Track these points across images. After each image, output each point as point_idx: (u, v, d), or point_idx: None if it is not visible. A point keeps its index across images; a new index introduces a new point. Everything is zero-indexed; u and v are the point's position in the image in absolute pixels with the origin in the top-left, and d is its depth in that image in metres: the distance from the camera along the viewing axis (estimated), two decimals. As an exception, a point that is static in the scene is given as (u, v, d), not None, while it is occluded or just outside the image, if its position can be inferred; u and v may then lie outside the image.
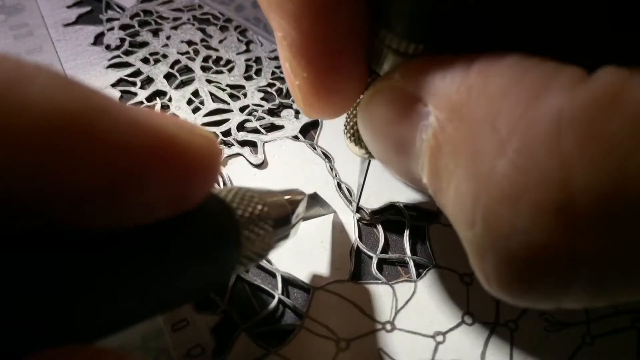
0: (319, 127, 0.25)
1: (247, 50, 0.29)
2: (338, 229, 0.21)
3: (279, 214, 0.16)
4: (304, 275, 0.19)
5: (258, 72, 0.28)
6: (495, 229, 0.11)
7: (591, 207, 0.10)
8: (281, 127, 0.25)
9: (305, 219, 0.19)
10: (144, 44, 0.28)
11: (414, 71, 0.14)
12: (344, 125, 0.19)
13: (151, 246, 0.11)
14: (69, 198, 0.09)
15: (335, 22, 0.14)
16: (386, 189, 0.23)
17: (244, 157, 0.23)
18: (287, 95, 0.26)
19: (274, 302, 0.18)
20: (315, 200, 0.21)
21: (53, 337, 0.09)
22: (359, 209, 0.22)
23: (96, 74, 0.26)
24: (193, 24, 0.30)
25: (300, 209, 0.17)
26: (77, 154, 0.09)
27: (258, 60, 0.28)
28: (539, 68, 0.12)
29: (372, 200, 0.22)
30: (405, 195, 0.22)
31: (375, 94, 0.15)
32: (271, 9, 0.14)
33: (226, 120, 0.25)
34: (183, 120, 0.12)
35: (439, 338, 0.18)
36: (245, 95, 0.26)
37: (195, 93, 0.26)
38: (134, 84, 0.26)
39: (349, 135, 0.18)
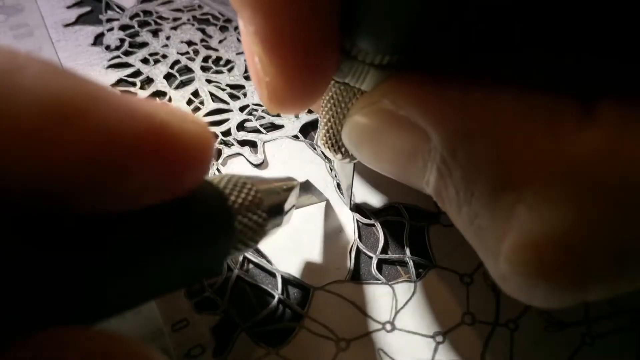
0: (319, 127, 0.25)
1: (247, 51, 0.29)
2: (337, 230, 0.21)
3: (272, 201, 0.16)
4: (304, 275, 0.19)
5: (258, 72, 0.27)
6: (517, 267, 0.12)
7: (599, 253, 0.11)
8: (281, 126, 0.25)
9: (298, 207, 0.19)
10: (144, 44, 0.28)
11: (406, 97, 0.14)
12: (319, 135, 0.19)
13: (145, 230, 0.11)
14: (61, 184, 0.09)
15: (311, 18, 0.14)
16: (386, 189, 0.23)
17: (244, 157, 0.23)
18: (326, 144, 0.26)
19: (274, 302, 0.18)
20: (307, 188, 0.21)
21: (45, 319, 0.10)
22: (357, 208, 0.22)
23: (96, 75, 0.26)
24: (193, 24, 0.30)
25: (293, 196, 0.18)
26: (69, 140, 0.09)
27: (258, 60, 0.28)
28: (542, 106, 0.12)
29: (372, 201, 0.22)
30: (405, 195, 0.22)
31: (365, 114, 0.15)
32: (244, 2, 0.14)
33: (226, 120, 0.25)
34: (175, 107, 0.12)
35: (439, 338, 0.18)
36: (245, 95, 0.26)
37: (195, 93, 0.26)
38: (133, 84, 0.26)
39: (328, 145, 0.19)
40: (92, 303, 0.11)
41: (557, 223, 0.12)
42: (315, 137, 0.25)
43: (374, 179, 0.23)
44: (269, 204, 0.16)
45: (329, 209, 0.22)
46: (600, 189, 0.11)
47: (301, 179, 0.23)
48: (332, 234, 0.21)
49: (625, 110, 0.11)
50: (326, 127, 0.18)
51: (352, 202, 0.22)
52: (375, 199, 0.22)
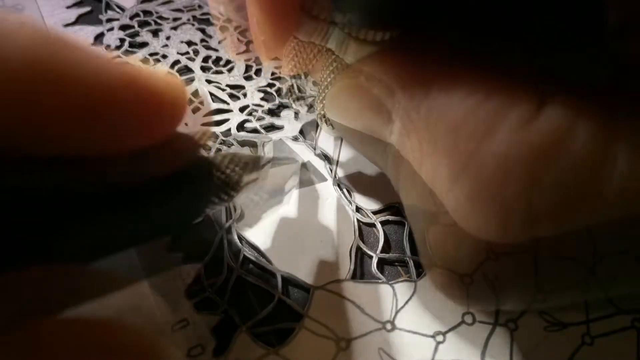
0: (319, 128, 0.25)
1: (247, 51, 0.29)
2: (337, 229, 0.21)
3: (249, 156, 0.17)
4: (304, 275, 0.19)
5: (258, 72, 0.28)
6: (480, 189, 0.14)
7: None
8: (281, 127, 0.25)
9: (273, 164, 0.20)
10: (144, 44, 0.28)
11: (379, 76, 0.16)
12: (317, 109, 0.20)
13: (123, 172, 0.12)
14: (48, 128, 0.10)
15: None
16: (386, 189, 0.23)
17: (244, 157, 0.23)
18: (287, 95, 0.26)
19: (274, 302, 0.18)
20: (281, 146, 0.22)
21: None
22: (357, 208, 0.22)
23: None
24: (193, 24, 0.30)
25: (268, 149, 0.19)
26: (50, 88, 0.10)
27: (257, 60, 0.28)
28: (492, 102, 0.13)
29: (372, 201, 0.22)
30: (405, 195, 0.22)
31: (343, 90, 0.18)
32: None
33: (226, 120, 0.25)
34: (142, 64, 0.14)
35: (439, 338, 0.18)
36: (245, 95, 0.26)
37: (195, 93, 0.26)
38: (133, 84, 0.26)
39: (322, 119, 0.20)
40: (68, 242, 0.11)
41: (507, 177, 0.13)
42: (315, 137, 0.25)
43: (374, 179, 0.23)
44: (245, 155, 0.17)
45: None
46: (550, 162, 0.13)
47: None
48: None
49: (571, 106, 0.13)
50: (321, 97, 0.20)
51: (336, 176, 0.23)
52: (375, 199, 0.22)
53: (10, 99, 0.10)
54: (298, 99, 0.21)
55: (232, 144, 0.24)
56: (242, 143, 0.24)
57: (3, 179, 0.10)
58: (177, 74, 0.27)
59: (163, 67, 0.27)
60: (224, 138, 0.24)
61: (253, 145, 0.24)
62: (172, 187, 0.13)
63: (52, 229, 0.10)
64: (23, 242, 0.10)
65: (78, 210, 0.11)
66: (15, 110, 0.10)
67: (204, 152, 0.16)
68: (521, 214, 0.13)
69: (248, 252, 0.20)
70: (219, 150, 0.23)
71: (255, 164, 0.17)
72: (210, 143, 0.16)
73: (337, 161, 0.23)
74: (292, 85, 0.21)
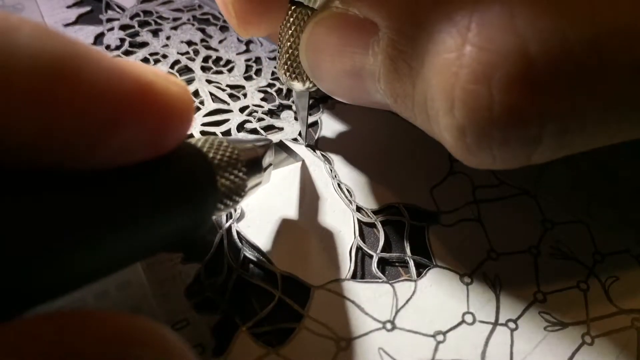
0: (319, 129, 0.25)
1: (247, 51, 0.29)
2: (336, 229, 0.21)
3: (250, 157, 0.17)
4: (304, 275, 0.19)
5: (258, 72, 0.28)
6: (475, 106, 0.13)
7: (547, 69, 0.12)
8: (281, 129, 0.25)
9: (275, 166, 0.20)
10: (144, 44, 0.28)
11: (359, 9, 0.15)
12: (279, 65, 0.20)
13: (131, 186, 0.12)
14: (53, 139, 0.10)
15: None
16: (386, 189, 0.23)
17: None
18: (287, 95, 0.26)
19: (274, 302, 0.18)
20: (282, 148, 0.22)
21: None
22: (357, 208, 0.22)
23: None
24: (193, 24, 0.30)
25: (270, 153, 0.18)
26: (62, 97, 0.10)
27: (258, 60, 0.28)
28: None
29: (372, 201, 0.22)
30: (405, 195, 0.22)
31: (318, 24, 0.17)
32: None
33: (226, 121, 0.25)
34: (158, 70, 0.13)
35: (439, 337, 0.18)
36: (245, 95, 0.26)
37: (195, 93, 0.26)
38: (133, 84, 0.26)
39: (288, 72, 0.20)
40: (71, 261, 0.11)
41: (503, 58, 0.12)
42: (315, 138, 0.25)
43: (374, 179, 0.23)
44: (247, 161, 0.17)
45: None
46: (536, 15, 0.12)
47: (301, 181, 0.23)
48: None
49: None
50: (287, 55, 0.19)
51: (309, 137, 0.23)
52: (375, 199, 0.22)
53: (17, 93, 0.09)
54: (295, 73, 0.20)
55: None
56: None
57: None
58: (177, 74, 0.27)
59: (163, 67, 0.27)
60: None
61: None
62: (178, 198, 0.13)
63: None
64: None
65: (87, 226, 0.11)
66: (22, 106, 0.09)
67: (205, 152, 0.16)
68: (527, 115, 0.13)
69: (248, 252, 0.20)
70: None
71: (257, 167, 0.17)
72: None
73: (307, 118, 0.23)
74: (289, 59, 0.20)
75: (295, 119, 0.25)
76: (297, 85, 0.20)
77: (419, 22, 0.14)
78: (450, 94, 0.13)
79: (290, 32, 0.19)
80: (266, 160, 0.18)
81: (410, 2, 0.14)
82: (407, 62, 0.15)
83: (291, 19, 0.19)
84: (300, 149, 0.24)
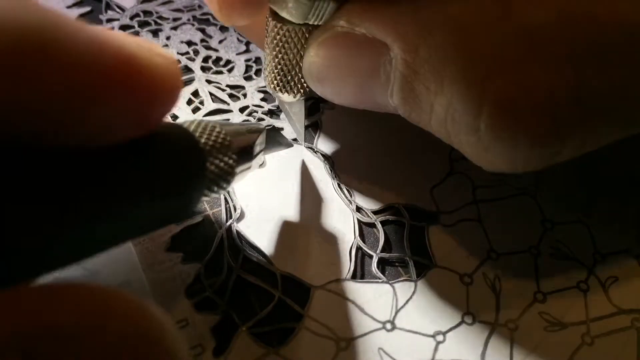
0: (318, 129, 0.25)
1: (247, 51, 0.29)
2: (336, 229, 0.21)
3: (241, 143, 0.17)
4: (304, 275, 0.19)
5: (258, 73, 0.28)
6: (501, 135, 0.14)
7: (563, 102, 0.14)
8: (281, 129, 0.25)
9: (266, 151, 0.20)
10: (144, 45, 0.28)
11: (360, 15, 0.16)
12: (267, 77, 0.20)
13: (118, 166, 0.12)
14: (31, 113, 0.09)
15: None
16: (386, 189, 0.23)
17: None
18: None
19: (274, 302, 0.18)
20: (273, 133, 0.22)
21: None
22: (357, 208, 0.22)
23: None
24: (193, 24, 0.30)
25: (261, 138, 0.18)
26: (45, 70, 0.09)
27: (258, 60, 0.28)
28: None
29: (372, 201, 0.22)
30: (405, 195, 0.22)
31: (322, 44, 0.17)
32: None
33: (226, 121, 0.25)
34: (143, 40, 0.13)
35: (439, 337, 0.18)
36: (245, 95, 0.26)
37: (195, 93, 0.26)
38: (133, 84, 0.26)
39: (278, 87, 0.20)
40: (57, 240, 0.10)
41: (527, 85, 0.13)
42: (315, 139, 0.25)
43: (374, 179, 0.23)
44: (238, 146, 0.16)
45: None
46: (555, 48, 0.13)
47: (301, 181, 0.23)
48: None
49: None
50: (276, 70, 0.19)
51: (308, 138, 0.23)
52: (375, 199, 0.22)
53: None
54: (287, 87, 0.20)
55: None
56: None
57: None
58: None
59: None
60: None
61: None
62: (167, 181, 0.13)
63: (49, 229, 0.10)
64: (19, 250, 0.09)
65: (77, 206, 0.10)
66: (3, 80, 0.09)
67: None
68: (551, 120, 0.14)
69: (248, 252, 0.20)
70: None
71: (248, 153, 0.17)
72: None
73: (304, 121, 0.23)
74: (279, 74, 0.19)
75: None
76: (287, 98, 0.20)
77: (434, 44, 0.14)
78: (476, 120, 0.14)
79: (277, 48, 0.19)
80: (257, 147, 0.18)
81: (421, 22, 0.15)
82: (423, 83, 0.15)
83: (278, 36, 0.18)
84: (301, 149, 0.24)
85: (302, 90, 0.20)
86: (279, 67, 0.19)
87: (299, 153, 0.24)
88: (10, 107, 0.09)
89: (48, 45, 0.09)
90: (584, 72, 0.13)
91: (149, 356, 0.10)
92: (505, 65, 0.14)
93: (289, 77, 0.19)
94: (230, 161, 0.16)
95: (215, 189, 0.16)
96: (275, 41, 0.18)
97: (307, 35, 0.18)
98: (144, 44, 0.12)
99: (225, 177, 0.16)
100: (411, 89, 0.15)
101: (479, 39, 0.14)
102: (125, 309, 0.10)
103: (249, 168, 0.18)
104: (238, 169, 0.17)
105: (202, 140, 0.15)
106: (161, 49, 0.13)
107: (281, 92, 0.20)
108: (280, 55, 0.19)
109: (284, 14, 0.17)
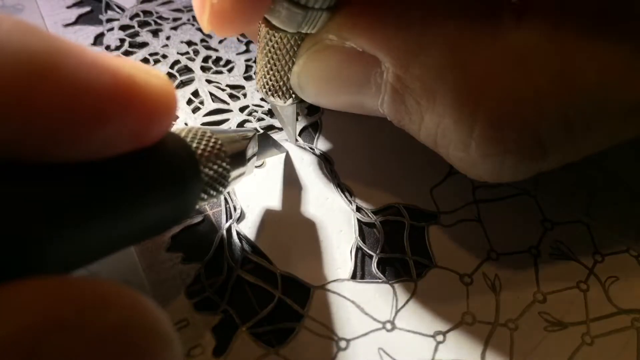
0: (318, 129, 0.25)
1: (247, 51, 0.29)
2: (336, 229, 0.21)
3: (234, 149, 0.17)
4: (304, 275, 0.19)
5: (258, 73, 0.28)
6: (490, 152, 0.15)
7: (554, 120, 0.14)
8: (280, 129, 0.25)
9: (259, 157, 0.20)
10: (144, 45, 0.28)
11: (350, 29, 0.16)
12: (258, 81, 0.20)
13: (116, 176, 0.12)
14: (34, 135, 0.10)
15: None
16: (386, 189, 0.23)
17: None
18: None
19: (274, 302, 0.18)
20: (266, 139, 0.22)
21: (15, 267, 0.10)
22: (357, 208, 0.22)
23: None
24: (193, 24, 0.30)
25: (253, 144, 0.19)
26: (45, 93, 0.10)
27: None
28: (479, 12, 0.14)
29: (372, 201, 0.22)
30: (405, 195, 0.22)
31: (311, 57, 0.17)
32: None
33: (226, 120, 0.25)
34: (138, 63, 0.13)
35: (439, 337, 0.18)
36: (245, 95, 0.26)
37: (195, 93, 0.26)
38: (133, 84, 0.26)
39: (270, 92, 0.20)
40: (58, 248, 0.11)
41: (518, 105, 0.14)
42: (315, 139, 0.25)
43: (374, 179, 0.23)
44: (232, 152, 0.17)
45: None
46: (541, 74, 0.14)
47: (301, 180, 0.23)
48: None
49: (551, 12, 0.14)
50: (268, 76, 0.19)
51: (298, 139, 0.23)
52: (375, 199, 0.22)
53: (2, 91, 0.09)
54: (279, 92, 0.20)
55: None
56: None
57: None
58: (177, 74, 0.27)
59: (163, 68, 0.27)
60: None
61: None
62: (161, 188, 0.13)
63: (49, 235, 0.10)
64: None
65: (76, 214, 0.11)
66: (9, 104, 0.09)
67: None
68: (534, 138, 0.15)
69: (248, 252, 0.20)
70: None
71: (241, 158, 0.17)
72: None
73: (296, 123, 0.23)
74: (270, 80, 0.20)
75: (297, 118, 0.25)
76: (278, 102, 0.20)
77: (425, 62, 0.15)
78: (468, 138, 0.15)
79: (270, 55, 0.19)
80: (250, 151, 0.18)
81: (412, 39, 0.15)
82: (415, 98, 0.15)
83: (270, 43, 0.18)
84: (300, 149, 0.24)
85: (293, 96, 0.20)
86: (270, 72, 0.19)
87: (298, 154, 0.24)
88: (17, 127, 0.10)
89: (54, 70, 0.10)
90: (571, 92, 0.14)
91: (145, 343, 0.10)
92: (497, 86, 0.14)
93: (281, 83, 0.20)
94: (224, 164, 0.16)
95: (211, 192, 0.16)
96: (267, 47, 0.19)
97: (299, 42, 0.18)
98: (140, 67, 0.13)
99: (220, 181, 0.16)
100: (402, 101, 0.16)
101: (471, 58, 0.14)
102: (122, 301, 0.10)
103: (243, 173, 0.18)
104: (232, 174, 0.17)
105: (194, 145, 0.15)
106: (156, 70, 0.13)
107: (272, 96, 0.20)
108: (272, 62, 0.19)
109: (276, 23, 0.17)
